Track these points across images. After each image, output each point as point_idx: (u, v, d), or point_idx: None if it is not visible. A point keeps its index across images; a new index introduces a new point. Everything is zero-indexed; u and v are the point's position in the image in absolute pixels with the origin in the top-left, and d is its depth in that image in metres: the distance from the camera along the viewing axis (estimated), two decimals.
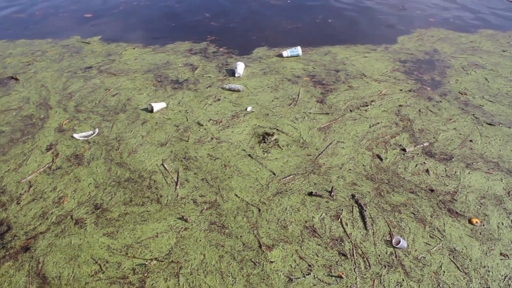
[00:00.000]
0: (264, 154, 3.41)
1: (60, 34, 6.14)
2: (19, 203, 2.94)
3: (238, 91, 4.34)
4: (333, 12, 6.78)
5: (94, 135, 3.67)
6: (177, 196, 2.98)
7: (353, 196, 2.96)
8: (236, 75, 4.63)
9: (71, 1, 7.79)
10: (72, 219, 2.81)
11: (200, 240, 2.63)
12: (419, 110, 4.00)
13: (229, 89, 4.38)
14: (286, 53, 5.03)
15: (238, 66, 4.70)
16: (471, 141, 3.56)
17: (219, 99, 4.22)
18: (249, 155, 3.40)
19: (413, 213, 2.83)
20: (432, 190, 3.02)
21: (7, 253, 2.59)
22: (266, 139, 3.54)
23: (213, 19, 6.56)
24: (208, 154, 3.42)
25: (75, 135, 3.65)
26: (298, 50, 5.02)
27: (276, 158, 3.36)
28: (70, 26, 6.52)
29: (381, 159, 3.33)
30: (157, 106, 3.99)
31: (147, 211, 2.85)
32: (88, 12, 7.08)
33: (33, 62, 5.22)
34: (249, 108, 4.01)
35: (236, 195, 2.98)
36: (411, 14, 6.80)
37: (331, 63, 4.97)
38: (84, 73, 4.89)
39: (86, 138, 3.63)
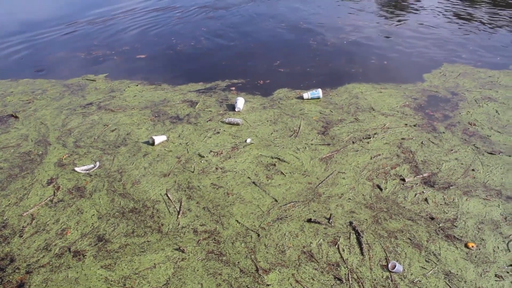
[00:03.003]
0: (268, 180, 4.04)
1: (70, 73, 7.03)
2: (22, 236, 3.46)
3: (238, 124, 5.04)
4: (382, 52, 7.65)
5: (96, 168, 4.34)
6: (178, 225, 3.59)
7: (350, 223, 3.55)
8: (236, 109, 5.35)
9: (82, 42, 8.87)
10: (70, 251, 3.30)
11: (198, 270, 3.12)
12: (422, 142, 4.65)
13: (229, 123, 5.09)
14: (306, 95, 5.69)
15: (238, 101, 5.43)
16: (473, 170, 4.18)
17: (218, 132, 4.92)
18: (253, 182, 4.02)
19: (410, 239, 3.39)
20: (432, 218, 3.59)
21: None
22: (269, 167, 4.22)
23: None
24: (211, 183, 4.04)
25: (77, 169, 4.32)
26: (319, 92, 5.67)
27: (279, 185, 3.99)
28: (81, 65, 7.44)
29: (381, 189, 3.94)
30: (158, 139, 4.68)
31: (148, 241, 3.43)
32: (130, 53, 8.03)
33: (33, 100, 6.03)
34: (248, 140, 4.68)
35: (236, 221, 3.58)
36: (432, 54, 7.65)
37: (350, 104, 5.63)
38: (83, 109, 5.67)
39: (87, 171, 4.30)
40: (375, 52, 7.54)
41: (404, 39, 8.18)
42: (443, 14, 9.98)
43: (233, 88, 6.13)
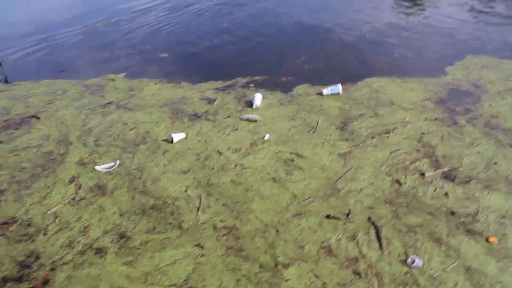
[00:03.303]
0: (287, 176, 4.14)
1: (91, 73, 7.25)
2: (46, 234, 3.62)
3: (256, 121, 5.14)
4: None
5: (116, 166, 4.49)
6: (198, 221, 3.71)
7: (369, 218, 3.61)
8: (253, 106, 5.45)
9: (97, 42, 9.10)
10: (92, 248, 3.45)
11: (217, 266, 3.23)
12: (442, 136, 4.67)
13: (247, 119, 5.19)
14: (326, 91, 5.73)
15: (256, 97, 5.53)
16: (495, 163, 4.19)
17: (237, 129, 5.03)
18: (273, 178, 4.12)
19: (429, 233, 3.44)
20: (453, 213, 3.63)
21: (30, 285, 3.16)
22: (288, 163, 4.31)
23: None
24: (231, 180, 4.16)
25: (97, 167, 4.48)
26: (339, 88, 5.70)
27: (299, 180, 4.08)
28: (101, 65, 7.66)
29: (400, 184, 3.98)
30: (177, 136, 4.81)
31: (168, 237, 3.55)
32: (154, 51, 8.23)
33: (54, 101, 6.24)
34: (266, 136, 4.77)
35: (256, 216, 3.68)
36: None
37: (370, 99, 5.67)
38: (103, 109, 5.84)
39: (108, 170, 4.45)
40: (396, 46, 7.54)
41: (425, 33, 8.15)
42: (464, 7, 9.88)
43: (253, 85, 6.22)
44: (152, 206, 3.88)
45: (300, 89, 6.06)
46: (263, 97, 5.73)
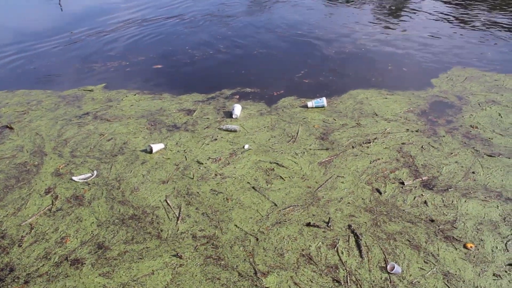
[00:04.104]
0: (267, 185, 4.29)
1: (69, 84, 7.30)
2: (21, 246, 3.65)
3: (235, 131, 5.31)
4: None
5: (93, 177, 4.59)
6: (177, 230, 3.82)
7: (349, 226, 3.78)
8: (233, 116, 5.62)
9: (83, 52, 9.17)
10: (68, 260, 3.50)
11: (196, 275, 3.32)
12: (422, 147, 4.90)
13: (226, 130, 5.35)
14: (310, 103, 5.92)
15: (235, 108, 5.71)
16: (473, 173, 4.42)
17: (216, 139, 5.17)
18: (253, 187, 4.27)
19: (408, 240, 3.61)
20: (432, 220, 3.82)
21: None
22: (268, 172, 4.46)
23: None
24: (211, 189, 4.28)
25: (74, 178, 4.56)
26: (323, 100, 5.90)
27: (279, 189, 4.24)
28: (80, 76, 7.72)
29: (380, 193, 4.17)
30: (156, 147, 4.93)
31: (146, 247, 3.64)
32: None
33: (29, 111, 6.30)
34: (246, 146, 4.93)
35: (235, 225, 3.80)
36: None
37: (354, 110, 5.88)
38: (79, 120, 5.93)
39: (85, 180, 4.55)
40: (381, 59, 7.81)
41: (407, 46, 8.46)
42: (446, 19, 10.30)
43: (237, 97, 6.39)
44: (131, 216, 3.97)
45: (286, 101, 6.24)
46: (243, 107, 5.91)
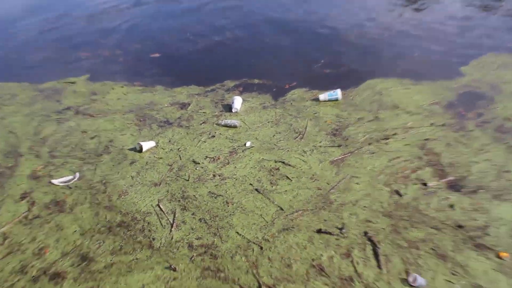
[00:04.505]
0: (272, 186, 4.33)
1: (48, 75, 7.34)
2: None
3: (235, 126, 5.34)
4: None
5: (75, 179, 4.61)
6: (172, 239, 3.84)
7: (365, 233, 3.79)
8: (233, 110, 5.65)
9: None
10: (47, 274, 3.52)
11: None
12: (448, 143, 4.88)
13: (225, 125, 5.38)
14: (323, 96, 5.91)
15: (235, 100, 5.73)
16: (507, 171, 4.41)
17: (214, 136, 5.21)
18: (256, 189, 4.30)
19: (433, 249, 3.61)
20: (460, 226, 3.81)
21: None
22: (273, 172, 4.47)
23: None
24: (209, 192, 4.32)
25: (54, 181, 4.59)
26: (337, 93, 5.88)
27: (285, 191, 4.27)
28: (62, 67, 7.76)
29: (400, 195, 4.17)
30: (146, 145, 4.96)
31: (136, 259, 3.65)
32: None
33: (1, 107, 6.33)
34: (248, 143, 4.96)
35: (237, 232, 3.82)
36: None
37: (372, 102, 5.86)
38: (58, 116, 5.95)
39: (66, 184, 4.57)
40: (404, 45, 7.75)
41: (434, 30, 8.40)
42: (471, 3, 10.26)
43: (241, 89, 6.41)
44: (119, 223, 4.00)
45: (295, 93, 6.24)
46: (244, 100, 5.93)
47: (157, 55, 7.91)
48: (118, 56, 8.00)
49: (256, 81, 6.65)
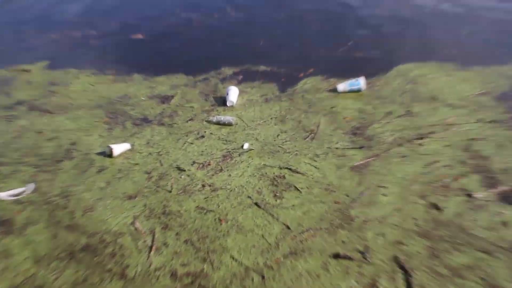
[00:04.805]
0: (276, 200, 4.29)
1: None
2: None
3: (230, 124, 5.33)
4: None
5: (28, 192, 4.58)
6: (150, 266, 3.80)
7: (395, 258, 3.75)
8: (228, 104, 5.65)
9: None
10: None
11: None
12: (499, 144, 4.80)
13: (218, 123, 5.37)
14: (342, 86, 5.92)
15: (230, 92, 5.72)
16: None
17: (203, 136, 5.20)
18: (256, 203, 4.27)
19: (483, 278, 3.56)
20: None
21: None
22: (277, 182, 4.46)
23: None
24: (197, 206, 4.29)
25: (1, 194, 4.56)
26: (360, 82, 5.89)
27: (293, 206, 4.23)
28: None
29: (439, 210, 4.13)
30: (119, 148, 4.94)
31: None
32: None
33: None
34: (246, 145, 4.95)
35: (232, 257, 3.78)
36: None
37: (404, 92, 5.86)
38: (7, 112, 5.92)
39: (16, 197, 4.54)
40: (447, 22, 7.74)
41: (489, 5, 8.38)
42: None
43: (241, 77, 6.42)
44: (84, 246, 3.96)
45: (308, 83, 6.25)
46: (242, 92, 5.94)
47: (140, 36, 7.91)
48: (90, 37, 8.00)
49: (261, 67, 6.66)
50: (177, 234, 4.05)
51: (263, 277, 3.63)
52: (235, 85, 6.05)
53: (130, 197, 4.47)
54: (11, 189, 4.59)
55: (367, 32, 7.65)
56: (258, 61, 6.79)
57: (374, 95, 5.83)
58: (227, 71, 6.63)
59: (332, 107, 5.61)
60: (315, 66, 6.61)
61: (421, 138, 4.97)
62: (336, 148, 4.92)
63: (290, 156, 4.85)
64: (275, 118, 5.44)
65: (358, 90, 5.88)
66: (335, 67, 6.55)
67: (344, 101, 5.72)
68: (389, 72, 6.24)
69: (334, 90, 5.95)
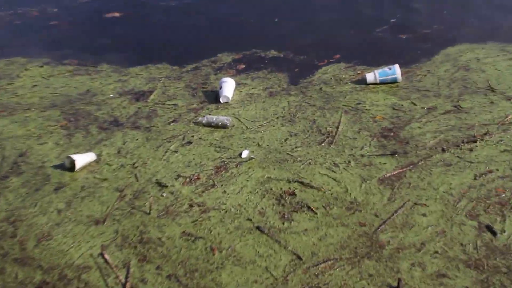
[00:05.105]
0: (283, 223, 4.40)
1: None
2: None
3: (224, 126, 5.47)
4: None
5: None
6: None
7: None
8: (221, 100, 5.79)
9: None
10: None
11: None
12: None
13: (209, 125, 5.51)
14: (372, 76, 6.07)
15: (225, 84, 5.85)
16: None
17: (190, 142, 5.33)
18: (258, 227, 4.38)
19: None
20: None
21: None
22: (284, 200, 4.58)
23: None
24: (183, 232, 4.38)
25: None
26: (395, 71, 6.02)
27: (305, 230, 4.35)
28: None
29: (495, 233, 4.27)
30: (81, 159, 5.05)
31: None
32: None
33: None
34: (245, 153, 5.07)
35: None
36: None
37: (452, 81, 6.00)
38: None
39: None
40: None
41: None
42: None
43: (242, 66, 6.59)
44: (39, 285, 4.02)
45: (329, 71, 6.42)
46: (240, 84, 6.06)
47: (116, 14, 8.06)
48: (51, 16, 8.14)
49: (272, 53, 6.82)
50: (158, 267, 4.11)
51: None
52: (232, 76, 6.18)
53: (97, 222, 4.56)
54: None
55: (410, 9, 7.78)
56: (269, 44, 6.97)
57: (413, 87, 5.95)
58: (225, 57, 6.80)
59: (357, 103, 5.73)
60: (342, 52, 6.80)
61: (473, 142, 5.08)
62: (361, 155, 5.03)
63: (302, 166, 4.95)
64: (282, 117, 5.55)
65: (393, 81, 6.00)
66: (365, 52, 6.75)
67: (374, 95, 5.86)
68: (435, 57, 6.34)
69: (362, 82, 6.07)
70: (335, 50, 6.70)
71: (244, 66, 6.55)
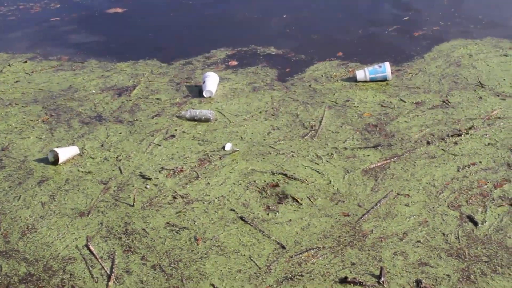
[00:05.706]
0: (268, 214, 4.56)
1: None
2: None
3: (207, 120, 5.64)
4: None
5: None
6: None
7: (418, 282, 4.04)
8: (205, 94, 5.97)
9: None
10: None
11: None
12: None
13: (192, 118, 5.68)
14: (362, 74, 6.21)
15: (208, 79, 6.02)
16: None
17: (174, 135, 5.48)
18: (242, 217, 4.53)
19: None
20: None
21: None
22: (268, 191, 4.72)
23: None
24: (167, 223, 4.53)
25: None
26: (385, 68, 6.17)
27: (289, 221, 4.50)
28: None
29: (475, 223, 4.39)
30: (65, 152, 5.21)
31: None
32: None
33: None
34: (228, 146, 5.25)
35: (212, 285, 3.98)
36: None
37: (443, 76, 6.16)
38: None
39: None
40: None
41: None
42: None
43: (235, 62, 6.77)
44: (24, 277, 4.15)
45: (320, 68, 6.57)
46: (224, 78, 6.23)
47: (119, 10, 8.18)
48: (49, 12, 8.24)
49: (270, 50, 7.02)
50: (142, 258, 4.24)
51: None
52: (219, 71, 6.39)
53: (81, 214, 4.69)
54: None
55: (406, 7, 8.00)
56: (267, 41, 7.15)
57: (403, 85, 6.11)
58: (219, 53, 7.02)
59: (346, 100, 5.90)
60: (345, 50, 7.01)
61: (457, 135, 5.25)
62: (344, 148, 5.19)
63: (285, 159, 5.10)
64: (265, 111, 5.71)
65: (383, 79, 6.17)
66: (361, 50, 6.98)
67: (363, 93, 6.03)
68: (427, 54, 6.56)
69: (352, 79, 6.24)
70: (336, 49, 6.88)
71: (236, 62, 6.74)
